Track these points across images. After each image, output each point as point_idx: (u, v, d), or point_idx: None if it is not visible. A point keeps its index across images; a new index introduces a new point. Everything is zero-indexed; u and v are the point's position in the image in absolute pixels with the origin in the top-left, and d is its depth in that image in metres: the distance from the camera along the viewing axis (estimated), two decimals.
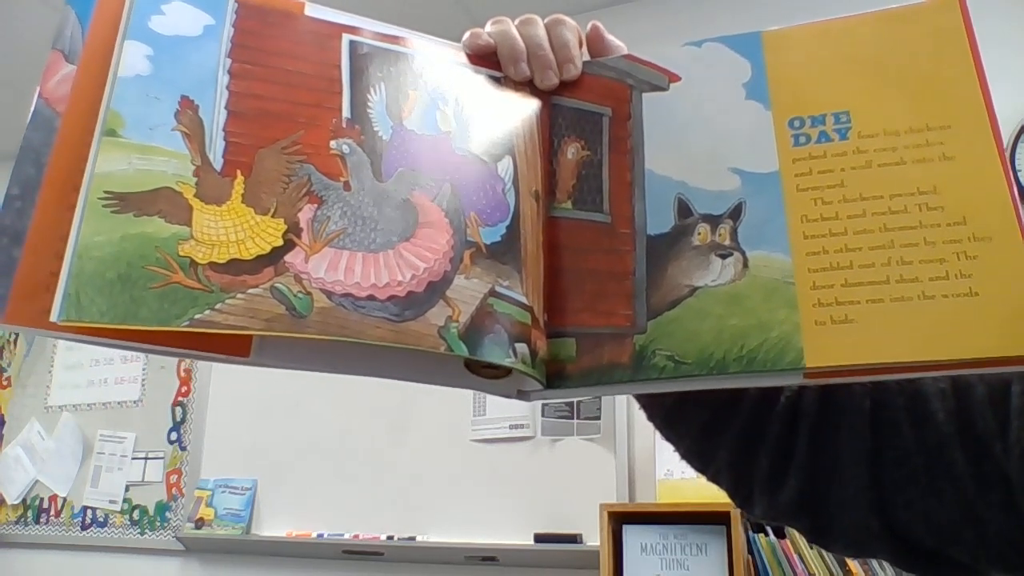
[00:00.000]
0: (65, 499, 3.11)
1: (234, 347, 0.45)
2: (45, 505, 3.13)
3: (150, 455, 3.00)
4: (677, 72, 0.53)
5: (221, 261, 0.42)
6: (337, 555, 2.57)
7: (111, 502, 3.01)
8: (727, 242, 0.48)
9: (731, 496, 0.59)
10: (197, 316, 0.41)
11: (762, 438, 0.56)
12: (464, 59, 0.54)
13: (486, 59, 0.55)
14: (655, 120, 0.52)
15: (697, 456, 0.59)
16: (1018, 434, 0.49)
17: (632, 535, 2.05)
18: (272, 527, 2.70)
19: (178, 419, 2.99)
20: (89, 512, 3.05)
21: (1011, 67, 2.04)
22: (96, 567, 3.00)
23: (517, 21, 0.55)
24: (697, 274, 0.48)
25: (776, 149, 0.49)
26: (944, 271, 0.43)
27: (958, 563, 0.52)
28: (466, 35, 0.55)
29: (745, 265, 0.47)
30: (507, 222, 0.50)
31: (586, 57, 0.56)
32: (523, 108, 0.54)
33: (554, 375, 0.49)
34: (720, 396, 0.56)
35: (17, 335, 3.38)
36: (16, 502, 3.18)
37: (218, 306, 0.41)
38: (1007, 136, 2.07)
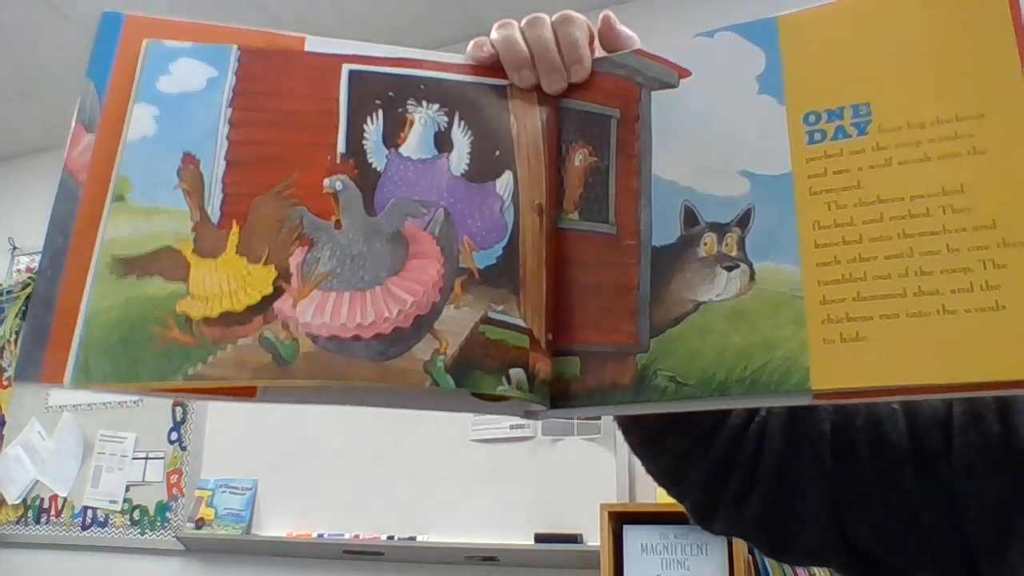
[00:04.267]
0: (65, 499, 3.10)
1: (240, 390, 0.46)
2: (45, 505, 3.13)
3: (150, 455, 2.99)
4: (688, 66, 0.50)
5: (214, 315, 0.44)
6: (337, 555, 2.56)
7: (111, 502, 3.01)
8: (734, 252, 0.46)
9: (691, 512, 0.60)
10: (190, 371, 0.43)
11: (735, 462, 0.56)
12: (469, 71, 0.53)
13: (492, 68, 0.53)
14: (664, 120, 0.50)
15: (668, 476, 0.60)
16: (958, 452, 0.50)
17: (632, 535, 2.05)
18: (272, 527, 2.69)
19: (178, 419, 2.98)
20: (89, 512, 3.04)
21: None
22: (96, 567, 2.99)
23: (523, 22, 0.52)
24: (701, 288, 0.46)
25: (789, 148, 0.45)
26: (968, 282, 0.39)
27: (898, 569, 0.54)
28: (469, 46, 0.53)
29: (752, 278, 0.45)
30: (503, 242, 0.49)
31: (599, 51, 0.53)
32: (528, 117, 0.52)
33: (558, 395, 0.48)
34: (703, 424, 0.57)
35: (17, 334, 3.38)
36: (16, 502, 3.18)
37: (209, 359, 0.43)
38: None
